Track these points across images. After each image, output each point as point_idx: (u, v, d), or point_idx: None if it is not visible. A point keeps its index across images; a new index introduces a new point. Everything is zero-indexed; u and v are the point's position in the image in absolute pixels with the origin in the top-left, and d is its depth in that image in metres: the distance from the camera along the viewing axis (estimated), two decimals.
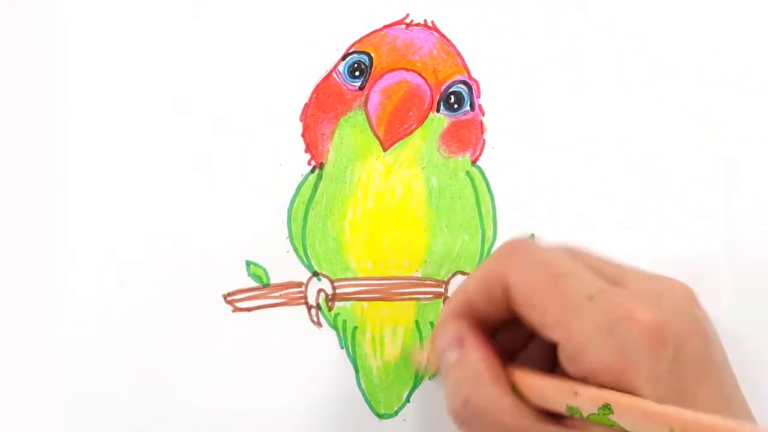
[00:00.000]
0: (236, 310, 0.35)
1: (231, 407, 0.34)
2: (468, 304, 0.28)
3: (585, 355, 0.24)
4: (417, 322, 0.35)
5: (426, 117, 0.35)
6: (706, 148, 0.34)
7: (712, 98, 0.35)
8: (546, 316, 0.25)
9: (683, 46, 0.35)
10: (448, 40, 0.35)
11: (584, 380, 0.25)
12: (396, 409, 0.34)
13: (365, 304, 0.35)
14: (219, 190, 0.35)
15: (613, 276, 0.26)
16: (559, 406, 0.25)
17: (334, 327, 0.35)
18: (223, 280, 0.35)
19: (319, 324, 0.35)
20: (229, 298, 0.35)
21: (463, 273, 0.35)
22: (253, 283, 0.35)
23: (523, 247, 0.27)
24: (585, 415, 0.24)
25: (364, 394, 0.34)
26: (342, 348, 0.35)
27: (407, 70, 0.35)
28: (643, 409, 0.23)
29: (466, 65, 0.35)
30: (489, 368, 0.27)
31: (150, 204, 0.35)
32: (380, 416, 0.34)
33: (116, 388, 0.35)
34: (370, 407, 0.34)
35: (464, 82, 0.35)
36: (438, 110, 0.35)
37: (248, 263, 0.35)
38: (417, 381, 0.35)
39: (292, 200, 0.35)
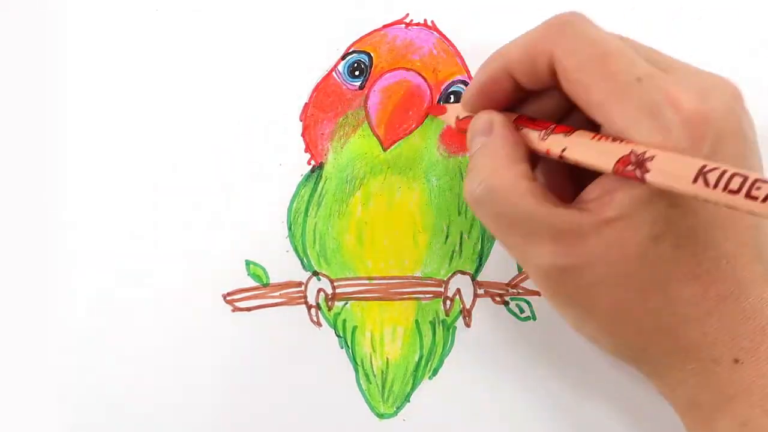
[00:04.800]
0: (236, 309, 0.35)
1: (230, 407, 0.34)
2: (506, 70, 0.28)
3: (626, 136, 0.24)
4: (417, 321, 0.35)
5: (426, 116, 0.34)
6: None
7: None
8: (592, 95, 0.25)
9: (688, 49, 0.35)
10: (447, 40, 0.35)
11: None
12: (396, 409, 0.34)
13: (365, 303, 0.35)
14: (219, 190, 0.35)
15: (662, 64, 0.26)
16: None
17: (334, 327, 0.35)
18: (223, 279, 0.35)
19: (318, 324, 0.35)
20: (228, 298, 0.35)
21: (463, 273, 0.35)
22: (253, 283, 0.35)
23: (574, 22, 0.26)
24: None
25: (364, 394, 0.34)
26: (342, 348, 0.35)
27: (407, 69, 0.35)
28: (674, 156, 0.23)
29: (465, 65, 0.35)
30: (511, 152, 0.27)
31: (150, 204, 0.35)
32: (380, 416, 0.34)
33: (116, 388, 0.35)
34: (370, 407, 0.34)
35: (464, 82, 0.35)
36: None
37: (248, 263, 0.35)
38: (417, 381, 0.35)
39: (292, 200, 0.35)
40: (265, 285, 0.35)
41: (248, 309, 0.35)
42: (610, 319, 0.27)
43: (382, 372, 0.35)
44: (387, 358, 0.35)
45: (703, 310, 0.26)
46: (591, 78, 0.25)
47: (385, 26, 0.35)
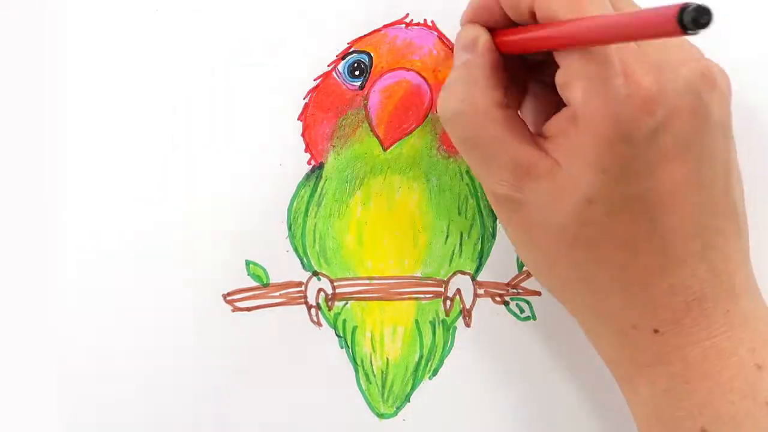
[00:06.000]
0: (236, 309, 0.35)
1: (230, 407, 0.34)
2: (492, 3, 0.28)
3: (571, 87, 0.25)
4: (417, 321, 0.35)
5: (426, 116, 0.35)
6: None
7: None
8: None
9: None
10: (447, 40, 0.35)
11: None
12: (396, 409, 0.34)
13: (365, 303, 0.35)
14: (219, 190, 0.35)
15: None
16: None
17: (334, 327, 0.35)
18: (223, 279, 0.35)
19: (319, 324, 0.35)
20: (228, 298, 0.35)
21: (463, 273, 0.35)
22: (253, 283, 0.35)
23: None
24: None
25: (364, 394, 0.34)
26: (342, 348, 0.35)
27: (407, 69, 0.35)
28: None
29: None
30: (490, 76, 0.28)
31: (149, 204, 0.35)
32: (380, 416, 0.34)
33: (115, 388, 0.35)
34: (370, 407, 0.34)
35: None
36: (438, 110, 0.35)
37: (248, 263, 0.35)
38: (417, 381, 0.35)
39: (292, 200, 0.35)
40: (265, 285, 0.35)
41: (248, 309, 0.35)
42: (543, 260, 0.28)
43: (382, 372, 0.35)
44: (387, 358, 0.35)
45: (627, 277, 0.26)
46: (562, 17, 0.25)
47: (385, 26, 0.35)
